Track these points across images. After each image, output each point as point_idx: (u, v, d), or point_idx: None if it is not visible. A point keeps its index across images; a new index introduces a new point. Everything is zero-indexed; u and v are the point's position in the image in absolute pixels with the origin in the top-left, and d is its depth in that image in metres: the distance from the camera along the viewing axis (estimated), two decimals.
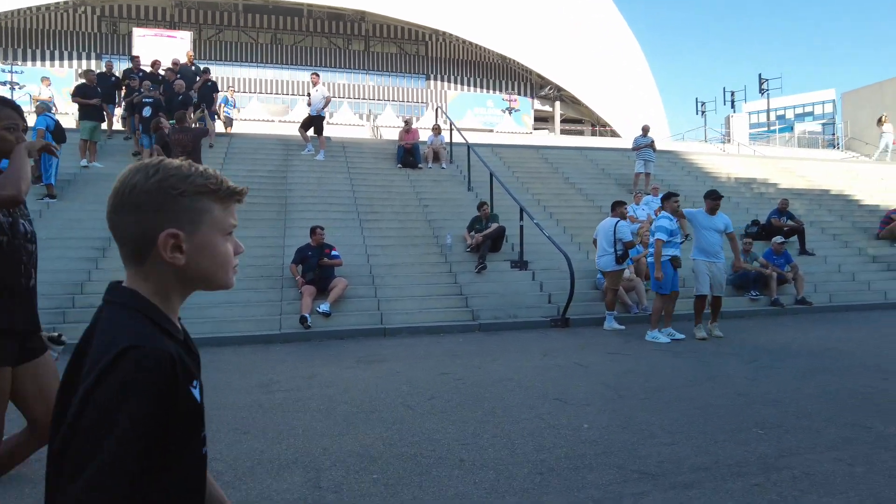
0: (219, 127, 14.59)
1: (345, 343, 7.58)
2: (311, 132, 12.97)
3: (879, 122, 20.27)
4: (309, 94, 13.06)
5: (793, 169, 17.45)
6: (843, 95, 33.24)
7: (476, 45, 53.65)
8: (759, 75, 46.27)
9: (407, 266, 9.65)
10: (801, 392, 4.94)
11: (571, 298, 8.55)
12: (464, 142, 13.25)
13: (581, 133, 52.47)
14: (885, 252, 12.73)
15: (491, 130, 38.01)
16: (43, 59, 40.71)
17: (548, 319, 8.64)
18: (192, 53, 13.13)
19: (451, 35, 53.54)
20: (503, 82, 59.61)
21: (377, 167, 13.13)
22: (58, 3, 39.73)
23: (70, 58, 42.61)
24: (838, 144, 34.42)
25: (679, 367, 6.03)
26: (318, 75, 13.64)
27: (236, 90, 51.01)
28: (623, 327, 8.42)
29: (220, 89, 12.83)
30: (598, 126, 55.19)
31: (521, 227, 9.74)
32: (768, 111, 48.93)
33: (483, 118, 50.88)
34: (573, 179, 14.05)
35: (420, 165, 13.29)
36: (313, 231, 8.58)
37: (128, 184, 0.94)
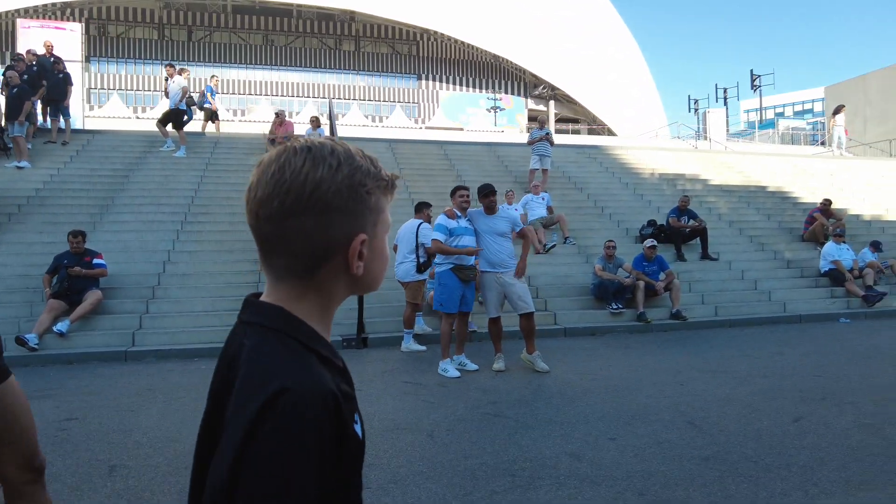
0: (199, 118, 13.61)
1: (63, 370, 6.19)
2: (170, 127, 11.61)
3: (835, 112, 18.15)
4: (166, 87, 11.72)
5: (732, 164, 15.57)
6: (826, 90, 30.94)
7: (468, 44, 52.01)
8: (751, 71, 43.92)
9: (208, 276, 8.23)
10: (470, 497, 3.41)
11: (361, 313, 7.01)
12: (373, 137, 11.76)
13: (578, 132, 50.51)
14: (803, 256, 10.92)
15: (461, 129, 36.32)
16: None
17: (341, 339, 7.14)
18: (50, 43, 11.83)
19: (441, 34, 51.99)
20: (496, 82, 57.87)
21: (243, 164, 11.72)
22: (45, 5, 39.22)
23: None
24: (824, 140, 31.92)
25: (416, 410, 4.55)
26: (173, 66, 12.21)
27: (236, 92, 50.15)
28: (424, 348, 6.89)
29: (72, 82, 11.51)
30: (595, 125, 53.09)
31: None
32: (761, 109, 46.51)
33: (476, 118, 49.20)
34: (466, 175, 12.46)
35: None
36: (70, 236, 7.20)
37: (309, 180, 0.73)
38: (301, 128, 13.26)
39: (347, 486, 0.77)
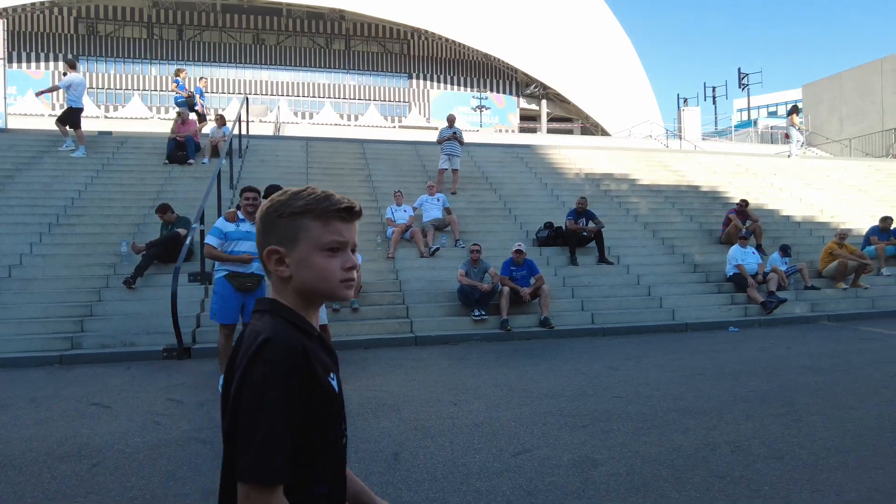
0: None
1: None
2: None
3: (791, 112, 17.38)
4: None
5: (669, 163, 14.94)
6: (804, 88, 30.03)
7: (459, 43, 51.46)
8: (739, 70, 43.05)
9: (57, 280, 7.81)
10: None
11: (175, 318, 6.57)
12: (294, 136, 11.29)
13: (570, 132, 49.84)
14: (714, 260, 10.33)
15: (393, 127, 35.84)
16: (20, 60, 40.32)
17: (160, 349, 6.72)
18: None
19: (432, 33, 51.49)
20: (487, 81, 57.29)
21: (142, 164, 11.34)
22: (34, 3, 39.26)
23: (47, 59, 42.22)
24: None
25: (133, 431, 4.12)
26: (68, 63, 11.74)
27: (226, 92, 49.98)
28: None
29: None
30: (588, 125, 52.36)
31: (202, 231, 7.76)
32: (748, 109, 45.58)
33: (468, 117, 48.67)
34: (377, 176, 12.00)
35: (191, 161, 11.43)
36: None
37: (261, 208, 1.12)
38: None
39: (323, 423, 1.03)
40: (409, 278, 8.69)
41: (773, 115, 53.97)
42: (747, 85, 42.44)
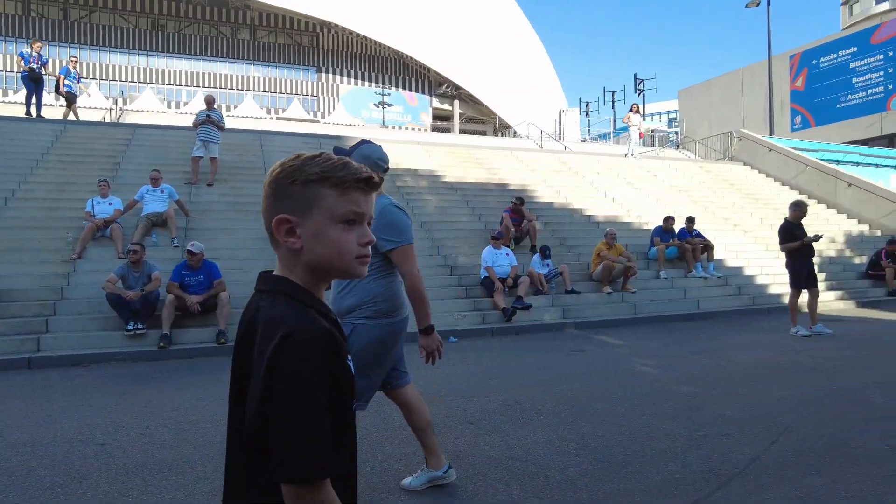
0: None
1: None
2: None
3: (631, 110, 16.83)
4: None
5: (484, 160, 13.97)
6: (680, 93, 30.20)
7: (370, 39, 49.81)
8: (635, 75, 43.48)
9: None
10: None
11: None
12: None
13: (483, 133, 49.08)
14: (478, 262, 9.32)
15: (317, 121, 34.17)
16: None
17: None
18: None
19: (342, 28, 49.62)
20: (400, 78, 55.94)
21: None
22: None
23: None
24: (678, 142, 31.29)
25: None
26: None
27: (118, 79, 46.45)
28: None
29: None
30: (501, 126, 51.70)
31: None
32: (644, 114, 46.16)
33: (378, 113, 47.04)
34: (130, 164, 10.39)
35: None
36: None
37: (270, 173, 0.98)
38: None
39: (347, 405, 0.97)
40: (82, 283, 7.15)
41: (673, 121, 55.19)
42: (643, 91, 42.82)
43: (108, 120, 19.77)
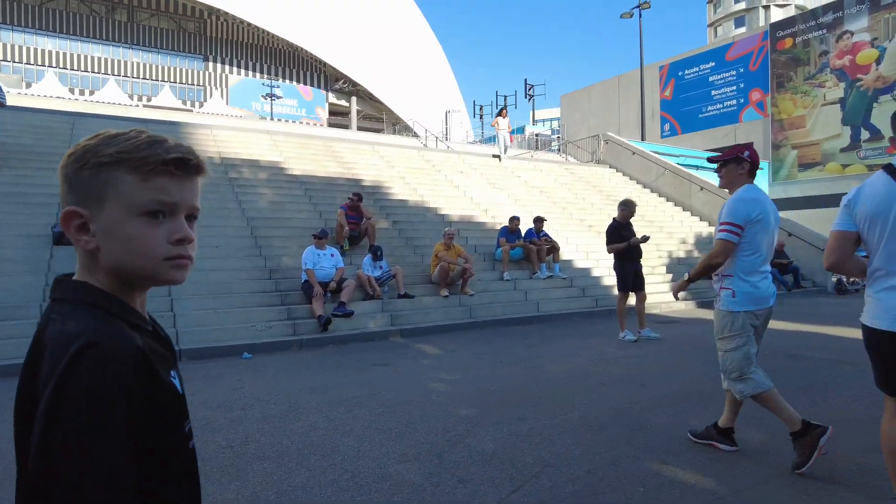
0: None
1: None
2: None
3: (499, 115, 16.42)
4: None
5: (340, 154, 12.99)
6: (562, 98, 30.74)
7: (262, 29, 47.03)
8: (525, 81, 44.08)
9: None
10: None
11: None
12: None
13: (380, 131, 47.67)
14: (285, 265, 8.32)
15: (191, 111, 31.65)
16: None
17: None
18: None
19: (231, 15, 46.49)
20: (294, 71, 53.50)
21: None
22: None
23: None
24: (560, 146, 31.70)
25: None
26: None
27: None
28: None
29: None
30: (400, 125, 50.48)
31: None
32: (533, 119, 47.04)
33: (269, 106, 44.38)
34: None
35: None
36: None
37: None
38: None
39: (172, 431, 0.76)
40: None
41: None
42: (533, 96, 43.56)
43: None
